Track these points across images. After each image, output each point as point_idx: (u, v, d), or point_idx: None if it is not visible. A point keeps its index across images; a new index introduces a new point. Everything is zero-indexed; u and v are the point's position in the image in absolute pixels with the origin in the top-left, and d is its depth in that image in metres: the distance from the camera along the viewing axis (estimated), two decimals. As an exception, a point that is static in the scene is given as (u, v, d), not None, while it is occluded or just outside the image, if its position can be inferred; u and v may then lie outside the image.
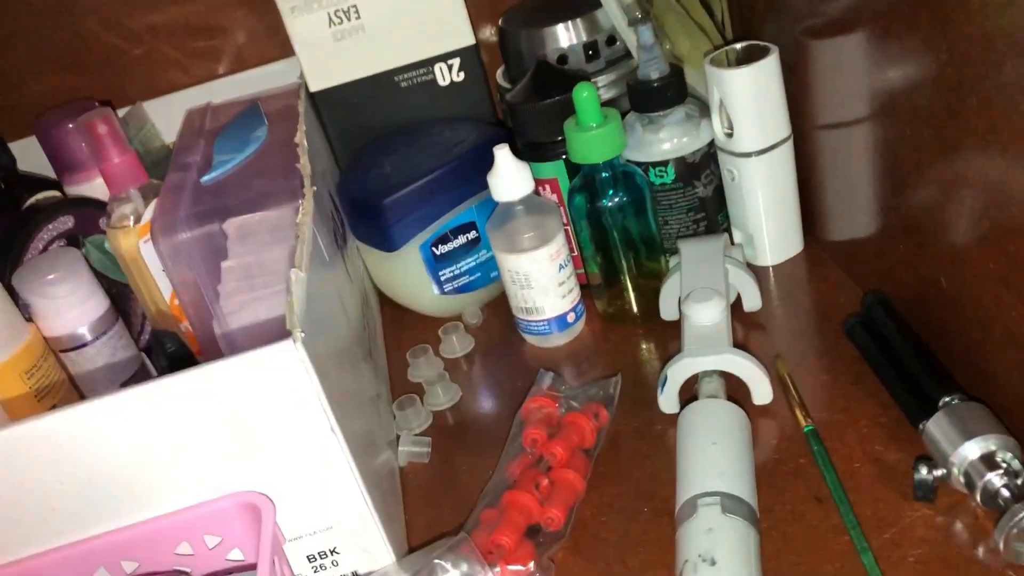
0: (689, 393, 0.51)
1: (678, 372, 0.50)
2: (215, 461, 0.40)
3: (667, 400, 0.52)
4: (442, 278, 0.64)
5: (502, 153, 0.56)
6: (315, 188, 0.52)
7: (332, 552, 0.43)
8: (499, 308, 0.65)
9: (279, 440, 0.40)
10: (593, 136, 0.55)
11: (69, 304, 0.59)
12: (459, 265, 0.64)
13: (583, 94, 0.55)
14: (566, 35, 0.67)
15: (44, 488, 0.39)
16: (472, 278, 0.65)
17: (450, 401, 0.59)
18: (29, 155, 0.74)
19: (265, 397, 0.38)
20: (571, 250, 0.62)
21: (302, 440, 0.40)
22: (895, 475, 0.45)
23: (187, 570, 0.41)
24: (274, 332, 0.52)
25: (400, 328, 0.68)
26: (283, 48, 0.73)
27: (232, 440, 0.39)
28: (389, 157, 0.64)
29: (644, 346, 0.59)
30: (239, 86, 0.75)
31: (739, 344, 0.54)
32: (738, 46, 0.59)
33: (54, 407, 0.45)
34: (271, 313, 0.56)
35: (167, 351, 0.53)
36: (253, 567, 0.41)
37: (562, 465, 0.48)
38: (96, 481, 0.39)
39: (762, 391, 0.50)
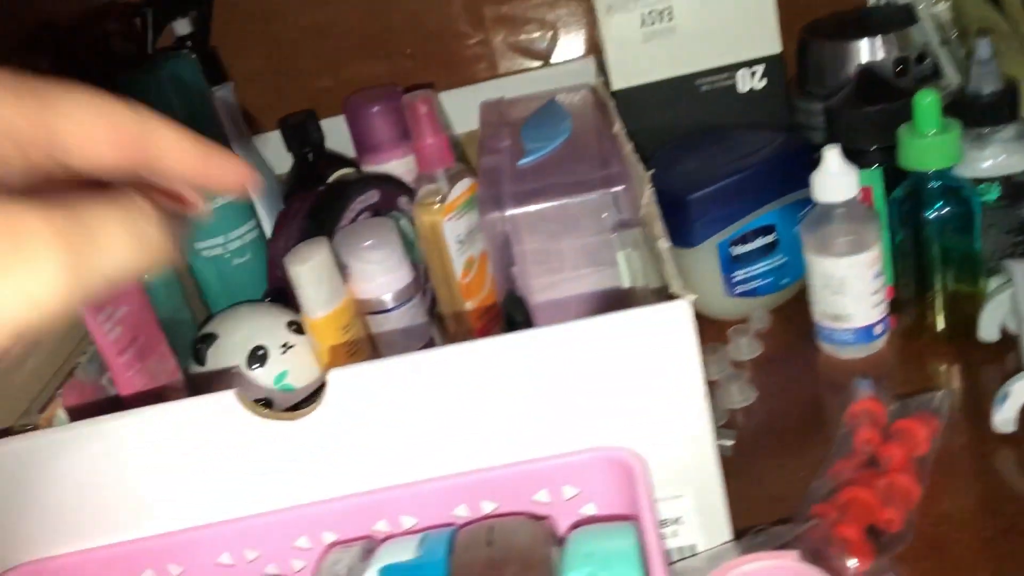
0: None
1: (1022, 390, 0.48)
2: (580, 414, 0.40)
3: (1005, 419, 0.49)
4: (734, 280, 0.64)
5: (832, 153, 0.56)
6: (653, 170, 0.53)
7: (675, 522, 0.43)
8: (785, 316, 0.65)
9: (650, 401, 0.40)
10: (930, 142, 0.54)
11: (382, 270, 0.62)
12: (754, 267, 0.63)
13: (926, 99, 0.54)
14: (874, 49, 0.66)
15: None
16: (764, 282, 0.64)
17: (744, 401, 0.58)
18: (330, 135, 0.79)
19: (648, 357, 0.39)
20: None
21: (673, 405, 0.40)
22: None
23: (544, 515, 0.42)
24: (581, 310, 0.54)
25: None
26: (573, 50, 0.76)
27: (601, 395, 0.40)
28: (693, 154, 0.65)
29: (951, 366, 0.57)
30: (526, 84, 0.78)
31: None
32: (1088, 64, 0.57)
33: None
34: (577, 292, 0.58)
35: (522, 309, 0.55)
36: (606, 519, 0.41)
37: (898, 469, 0.46)
38: (473, 420, 0.41)
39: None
